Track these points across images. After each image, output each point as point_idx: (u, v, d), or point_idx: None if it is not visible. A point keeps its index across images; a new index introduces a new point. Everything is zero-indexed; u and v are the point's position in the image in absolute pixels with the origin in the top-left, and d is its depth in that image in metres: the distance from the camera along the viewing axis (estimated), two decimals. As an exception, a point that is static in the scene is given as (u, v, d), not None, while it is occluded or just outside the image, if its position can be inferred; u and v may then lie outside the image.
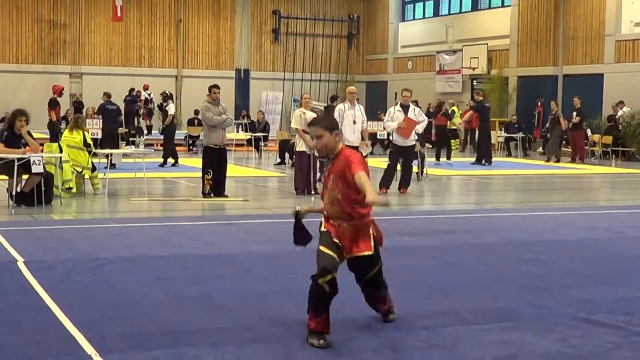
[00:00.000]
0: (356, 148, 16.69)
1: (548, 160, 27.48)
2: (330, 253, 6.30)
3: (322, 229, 6.47)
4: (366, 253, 6.43)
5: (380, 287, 6.76)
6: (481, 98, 26.94)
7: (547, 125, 29.44)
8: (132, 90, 33.24)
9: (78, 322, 6.61)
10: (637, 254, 10.52)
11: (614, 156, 28.82)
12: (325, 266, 6.28)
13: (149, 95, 34.11)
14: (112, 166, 18.62)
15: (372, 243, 6.46)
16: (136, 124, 30.26)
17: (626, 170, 24.96)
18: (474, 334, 6.56)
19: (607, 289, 8.31)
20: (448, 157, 26.63)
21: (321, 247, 6.35)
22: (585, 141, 29.28)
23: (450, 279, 8.72)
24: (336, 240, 6.34)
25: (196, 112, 28.97)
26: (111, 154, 17.66)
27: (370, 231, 6.48)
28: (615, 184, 22.21)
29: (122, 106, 26.94)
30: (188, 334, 6.42)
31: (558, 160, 27.39)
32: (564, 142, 29.80)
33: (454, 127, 32.33)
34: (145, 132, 32.09)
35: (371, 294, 6.79)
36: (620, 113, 29.43)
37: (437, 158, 26.35)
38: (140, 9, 39.59)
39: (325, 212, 6.48)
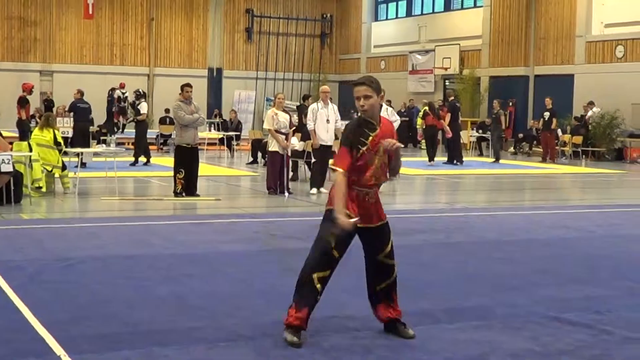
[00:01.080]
0: (330, 147, 16.74)
1: (497, 160, 27.21)
2: (335, 253, 6.14)
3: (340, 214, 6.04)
4: (385, 221, 6.35)
5: (393, 272, 6.49)
6: (452, 98, 27.00)
7: (490, 124, 29.28)
8: (112, 90, 32.97)
9: (47, 323, 6.56)
10: (607, 253, 10.59)
11: (584, 156, 29.03)
12: (325, 263, 6.17)
13: (123, 93, 33.88)
14: (83, 165, 18.53)
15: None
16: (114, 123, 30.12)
17: (596, 170, 25.15)
18: (446, 333, 6.58)
19: (577, 288, 8.36)
20: (431, 159, 25.92)
21: (327, 239, 6.13)
22: (556, 141, 29.47)
23: (422, 278, 8.74)
24: (354, 219, 6.03)
25: (167, 110, 28.85)
26: (82, 153, 17.55)
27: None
28: (585, 183, 22.37)
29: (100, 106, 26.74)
30: (158, 334, 6.39)
31: (498, 160, 27.06)
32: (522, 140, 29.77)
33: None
34: (117, 130, 31.87)
35: (383, 281, 6.46)
36: (590, 113, 29.65)
37: (431, 158, 25.70)
38: (112, 6, 39.40)
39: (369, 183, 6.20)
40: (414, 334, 6.35)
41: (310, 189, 16.87)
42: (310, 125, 16.65)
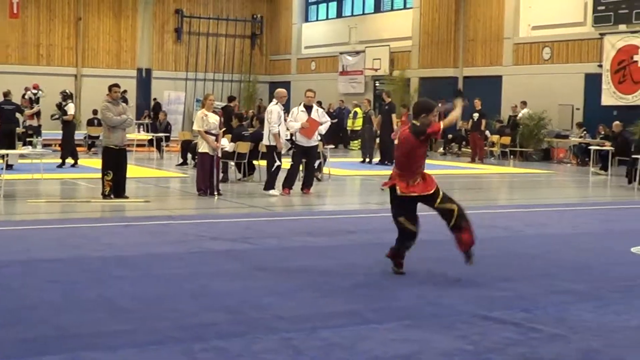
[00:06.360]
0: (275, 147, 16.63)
1: (363, 161, 26.74)
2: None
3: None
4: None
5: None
6: (390, 99, 27.07)
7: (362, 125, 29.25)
8: (25, 90, 32.12)
9: (-28, 328, 6.43)
10: (535, 252, 10.75)
11: (512, 156, 29.44)
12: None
13: (35, 94, 33.15)
14: (9, 167, 18.21)
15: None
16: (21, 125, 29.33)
17: (524, 170, 25.53)
18: (376, 333, 6.60)
19: (506, 287, 8.47)
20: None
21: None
22: (485, 142, 29.83)
23: (351, 278, 8.75)
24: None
25: (95, 112, 28.47)
26: (7, 155, 17.24)
27: None
28: (514, 183, 22.69)
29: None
30: (87, 338, 6.30)
31: (370, 161, 26.49)
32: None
33: (357, 129, 32.55)
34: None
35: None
36: (520, 115, 30.09)
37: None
38: (38, 6, 38.76)
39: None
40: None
41: (269, 189, 16.63)
42: (274, 129, 16.46)
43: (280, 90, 17.23)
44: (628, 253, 10.81)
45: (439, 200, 8.81)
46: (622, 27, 28.30)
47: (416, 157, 8.92)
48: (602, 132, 27.08)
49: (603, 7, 28.75)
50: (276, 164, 16.61)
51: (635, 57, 27.61)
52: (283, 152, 16.95)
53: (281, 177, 16.77)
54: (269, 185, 16.70)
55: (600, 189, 21.02)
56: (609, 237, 12.33)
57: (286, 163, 16.98)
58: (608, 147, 23.91)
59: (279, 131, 16.49)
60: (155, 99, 39.07)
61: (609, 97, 28.40)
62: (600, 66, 28.69)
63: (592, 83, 29.01)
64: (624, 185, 20.87)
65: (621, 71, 28.08)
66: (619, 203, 17.77)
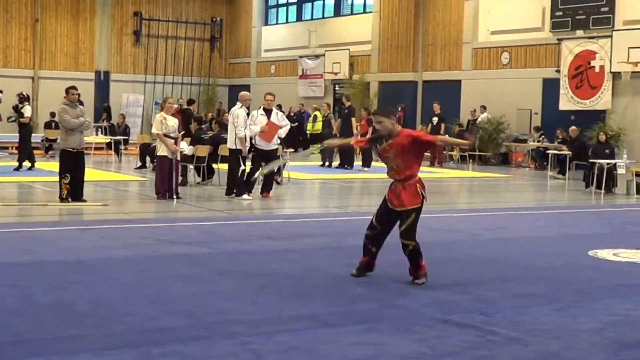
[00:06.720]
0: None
1: (323, 164, 26.58)
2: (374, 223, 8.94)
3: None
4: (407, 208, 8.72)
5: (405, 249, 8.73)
6: (350, 103, 27.11)
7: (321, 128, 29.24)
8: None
9: None
10: (493, 255, 10.81)
11: (471, 160, 29.61)
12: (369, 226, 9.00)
13: None
14: (-36, 170, 17.97)
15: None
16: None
17: (482, 174, 25.69)
18: (335, 336, 6.59)
19: (464, 290, 8.51)
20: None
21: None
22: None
23: (311, 282, 8.75)
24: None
25: (53, 114, 28.19)
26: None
27: (417, 189, 8.75)
28: (472, 187, 22.82)
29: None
30: (44, 343, 6.24)
31: (330, 165, 26.34)
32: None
33: (317, 132, 32.55)
34: None
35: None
36: (479, 119, 30.28)
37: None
38: (-6, 7, 38.36)
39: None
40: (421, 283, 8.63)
41: (240, 194, 16.54)
42: (241, 133, 16.38)
43: (244, 94, 17.20)
44: (585, 256, 10.91)
45: (404, 227, 8.72)
46: (580, 32, 28.59)
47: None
48: (560, 137, 27.33)
49: (561, 13, 29.03)
50: (241, 169, 16.58)
51: (592, 63, 27.90)
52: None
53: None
54: (238, 189, 16.59)
55: (558, 193, 21.21)
56: (566, 241, 12.44)
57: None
58: (566, 151, 24.14)
59: (245, 135, 16.45)
60: (105, 104, 38.63)
61: (567, 101, 28.67)
62: (558, 71, 28.96)
63: (550, 88, 29.28)
64: (581, 189, 21.08)
65: (578, 76, 28.36)
66: (576, 207, 17.95)
